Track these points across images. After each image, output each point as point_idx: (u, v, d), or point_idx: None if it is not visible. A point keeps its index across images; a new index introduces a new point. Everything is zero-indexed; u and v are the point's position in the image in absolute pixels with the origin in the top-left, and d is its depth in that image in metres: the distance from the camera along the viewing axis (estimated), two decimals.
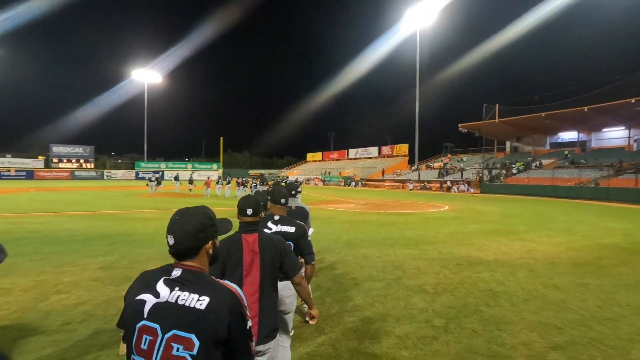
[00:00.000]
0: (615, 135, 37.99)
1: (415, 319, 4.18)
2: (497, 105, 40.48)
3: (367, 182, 48.16)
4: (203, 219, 1.32)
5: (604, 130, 38.68)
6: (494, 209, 18.40)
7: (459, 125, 44.69)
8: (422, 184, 40.49)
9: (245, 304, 1.26)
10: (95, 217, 12.82)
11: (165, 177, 59.41)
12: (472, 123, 43.49)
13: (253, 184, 24.62)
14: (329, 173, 59.80)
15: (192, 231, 1.27)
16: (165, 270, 1.29)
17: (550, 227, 12.03)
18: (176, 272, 1.26)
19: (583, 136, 40.15)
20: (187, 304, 1.18)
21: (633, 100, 29.36)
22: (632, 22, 78.77)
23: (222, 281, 1.29)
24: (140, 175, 61.33)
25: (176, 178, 30.86)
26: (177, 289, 1.21)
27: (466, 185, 35.44)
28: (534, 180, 32.24)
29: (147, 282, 1.27)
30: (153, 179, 27.40)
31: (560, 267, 6.74)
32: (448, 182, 37.14)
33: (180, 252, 1.28)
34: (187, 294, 1.20)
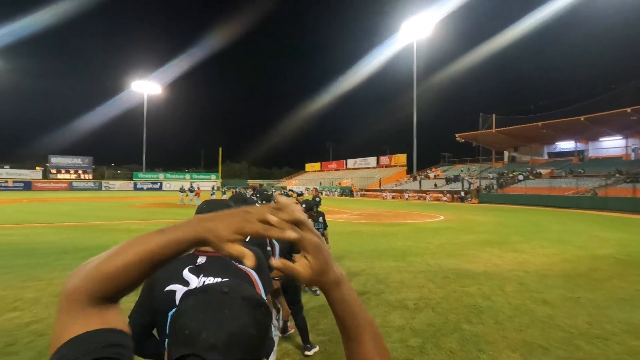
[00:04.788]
0: (612, 144, 37.87)
1: (390, 338, 3.89)
2: (493, 115, 40.47)
3: (366, 192, 47.90)
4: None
5: (601, 139, 38.57)
6: (489, 218, 18.07)
7: (457, 135, 44.63)
8: (438, 195, 39.60)
9: (261, 288, 1.38)
10: (79, 229, 12.51)
11: (168, 188, 59.35)
12: (469, 133, 43.38)
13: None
14: (331, 183, 59.52)
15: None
16: (189, 259, 1.37)
17: (545, 237, 11.72)
18: (201, 260, 1.37)
19: (581, 145, 40.03)
20: None
21: (629, 110, 29.30)
22: (626, 31, 79.83)
23: (240, 265, 1.39)
24: (139, 185, 61.04)
25: (189, 189, 26.25)
26: (202, 275, 1.34)
27: (466, 195, 35.04)
28: (532, 190, 31.96)
29: (171, 273, 1.35)
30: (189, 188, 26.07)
31: (552, 279, 6.45)
32: (461, 193, 35.72)
33: None
34: (211, 278, 1.33)
